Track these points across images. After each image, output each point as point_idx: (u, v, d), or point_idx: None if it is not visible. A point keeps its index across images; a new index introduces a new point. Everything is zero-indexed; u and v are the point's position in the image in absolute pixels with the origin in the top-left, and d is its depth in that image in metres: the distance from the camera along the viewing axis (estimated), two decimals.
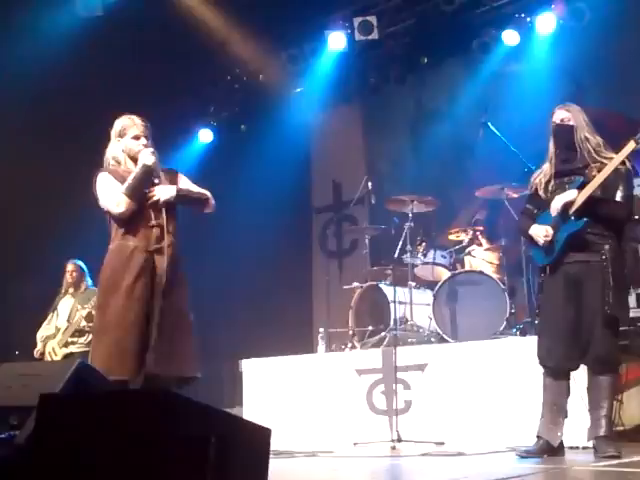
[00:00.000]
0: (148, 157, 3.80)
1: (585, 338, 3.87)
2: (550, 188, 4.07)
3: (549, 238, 3.97)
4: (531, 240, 4.14)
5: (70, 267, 6.73)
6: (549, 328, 3.99)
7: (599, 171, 3.91)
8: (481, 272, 6.00)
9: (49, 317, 6.69)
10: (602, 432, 3.80)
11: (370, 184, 6.82)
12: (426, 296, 6.25)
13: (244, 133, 9.80)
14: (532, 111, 6.86)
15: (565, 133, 4.04)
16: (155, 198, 3.79)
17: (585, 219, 3.89)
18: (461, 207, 7.71)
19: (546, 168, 4.16)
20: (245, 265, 8.84)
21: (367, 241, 6.93)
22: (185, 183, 4.04)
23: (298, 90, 9.33)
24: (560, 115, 4.09)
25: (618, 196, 3.93)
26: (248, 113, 9.72)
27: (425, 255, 6.31)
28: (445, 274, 6.23)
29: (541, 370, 4.06)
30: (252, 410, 6.23)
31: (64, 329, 6.49)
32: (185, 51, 8.16)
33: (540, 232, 4.01)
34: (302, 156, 9.46)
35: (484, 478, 2.85)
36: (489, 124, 5.81)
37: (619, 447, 3.74)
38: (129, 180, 3.76)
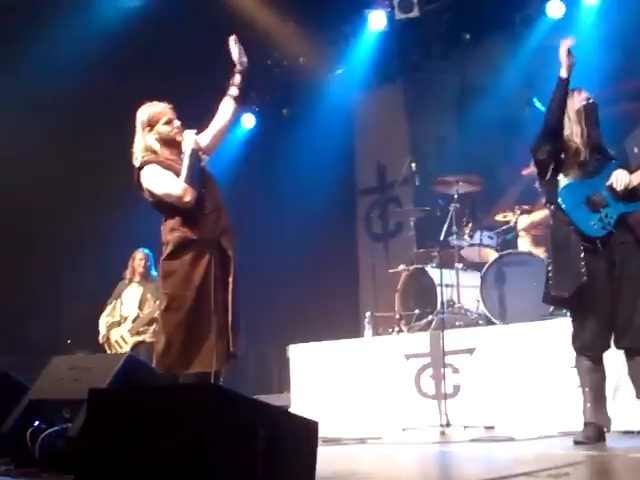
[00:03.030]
0: (192, 140, 3.76)
1: (624, 319, 3.78)
2: (584, 156, 3.99)
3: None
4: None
5: (140, 255, 6.79)
6: (593, 313, 3.84)
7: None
8: (529, 253, 5.89)
9: (112, 304, 6.75)
10: None
11: (414, 165, 6.74)
12: (473, 278, 6.16)
13: (286, 117, 9.76)
14: (579, 84, 6.66)
15: (596, 112, 4.06)
16: (188, 150, 3.74)
17: None
18: (508, 186, 7.57)
19: (574, 137, 4.01)
20: (291, 249, 8.83)
21: (412, 223, 6.84)
22: (203, 136, 3.96)
23: (339, 72, 9.24)
24: (587, 95, 4.09)
25: None
26: (290, 97, 9.67)
27: (471, 237, 6.22)
28: (492, 255, 6.13)
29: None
30: (300, 395, 6.25)
31: (134, 317, 6.53)
32: (224, 37, 8.14)
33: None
34: (345, 138, 9.40)
35: (537, 466, 2.78)
36: (535, 100, 5.67)
37: None
38: (185, 169, 3.70)
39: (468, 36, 8.09)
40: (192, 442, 1.96)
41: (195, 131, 3.80)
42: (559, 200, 3.96)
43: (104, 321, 6.70)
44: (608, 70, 7.48)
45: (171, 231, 3.76)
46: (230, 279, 3.76)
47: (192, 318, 3.63)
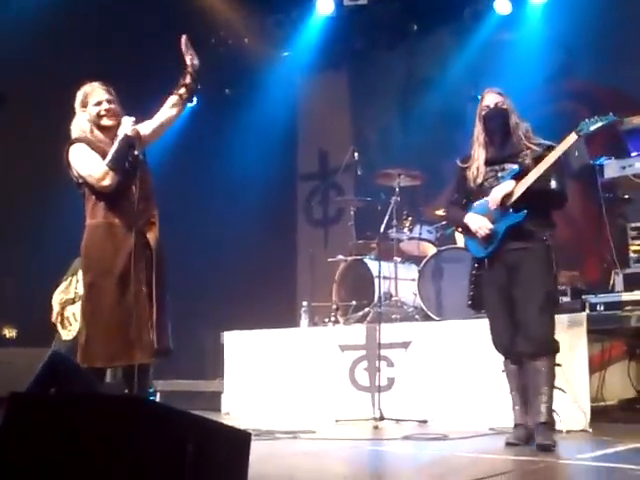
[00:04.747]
0: (129, 126, 3.66)
1: (520, 326, 3.79)
2: (480, 177, 3.92)
3: (490, 233, 3.85)
4: (466, 231, 4.02)
5: None
6: (503, 320, 3.88)
7: (533, 159, 3.83)
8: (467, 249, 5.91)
9: (67, 281, 6.54)
10: (542, 419, 3.70)
11: (356, 155, 6.69)
12: (411, 271, 6.18)
13: (229, 97, 9.60)
14: (523, 81, 6.73)
15: (500, 118, 3.92)
16: (121, 135, 3.64)
17: (525, 211, 3.78)
18: (449, 180, 7.59)
19: (475, 156, 3.97)
20: (228, 232, 8.71)
21: (352, 213, 6.81)
22: (144, 125, 3.86)
23: (285, 54, 9.12)
24: (493, 99, 3.96)
25: (553, 184, 3.84)
26: (233, 77, 9.49)
27: (411, 230, 6.23)
28: (431, 249, 6.15)
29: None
30: (233, 383, 6.20)
31: None
32: (169, 13, 7.91)
33: (480, 223, 3.87)
34: (288, 121, 9.30)
35: (469, 475, 2.78)
36: (479, 97, 5.68)
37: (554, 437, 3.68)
38: (112, 153, 3.62)
39: (415, 27, 8.08)
40: (116, 457, 1.86)
41: (134, 118, 3.68)
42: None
43: (58, 298, 6.47)
44: (551, 68, 7.60)
45: (92, 216, 3.68)
46: (153, 273, 3.64)
47: (112, 309, 3.56)
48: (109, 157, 3.62)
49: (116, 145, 3.63)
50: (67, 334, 6.34)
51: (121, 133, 3.64)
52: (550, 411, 3.74)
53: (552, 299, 3.83)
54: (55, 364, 2.71)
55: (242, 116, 8.88)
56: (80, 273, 6.45)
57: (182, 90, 3.81)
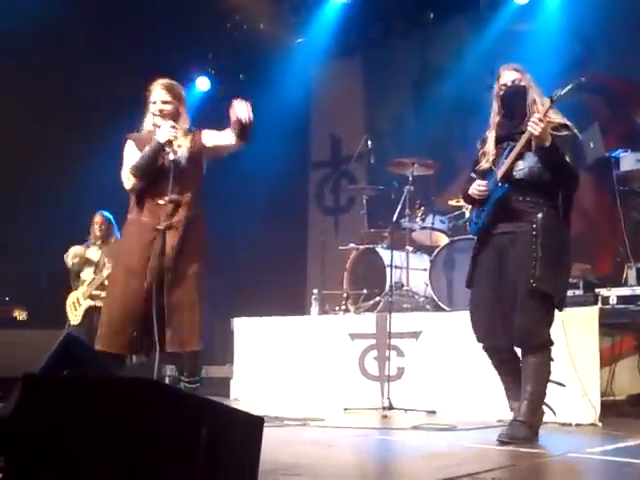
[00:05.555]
0: (164, 133, 3.73)
1: (508, 314, 3.65)
2: (489, 157, 3.82)
3: (484, 194, 3.73)
4: (471, 204, 3.97)
5: (97, 219, 6.59)
6: (486, 307, 3.78)
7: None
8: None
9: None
10: (519, 417, 3.61)
11: (370, 143, 6.66)
12: (423, 261, 6.17)
13: (243, 82, 9.57)
14: (539, 72, 6.64)
15: (517, 95, 3.78)
16: (153, 141, 3.73)
17: (507, 184, 3.66)
18: (462, 170, 7.56)
19: (487, 138, 3.91)
20: (240, 220, 8.71)
21: (365, 201, 6.80)
22: (210, 135, 3.95)
23: (299, 40, 9.08)
24: (510, 76, 3.83)
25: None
26: (247, 62, 9.46)
27: (424, 220, 6.21)
28: (443, 239, 6.14)
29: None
30: (243, 369, 6.22)
31: (90, 281, 6.41)
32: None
33: (476, 185, 3.78)
34: (301, 108, 9.26)
35: (478, 467, 2.77)
36: (495, 87, 5.64)
37: (529, 436, 3.54)
38: (138, 158, 3.73)
39: (432, 15, 8.02)
40: (129, 440, 1.87)
41: (171, 123, 3.72)
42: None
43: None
44: (566, 59, 7.53)
45: (129, 211, 3.85)
46: (169, 275, 3.67)
47: (115, 301, 3.67)
48: (133, 162, 3.74)
49: (145, 151, 3.73)
50: (74, 319, 6.42)
51: (155, 139, 3.73)
52: (532, 409, 3.60)
53: (541, 291, 3.56)
54: (69, 346, 2.72)
55: (255, 102, 8.74)
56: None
57: (235, 131, 3.84)
